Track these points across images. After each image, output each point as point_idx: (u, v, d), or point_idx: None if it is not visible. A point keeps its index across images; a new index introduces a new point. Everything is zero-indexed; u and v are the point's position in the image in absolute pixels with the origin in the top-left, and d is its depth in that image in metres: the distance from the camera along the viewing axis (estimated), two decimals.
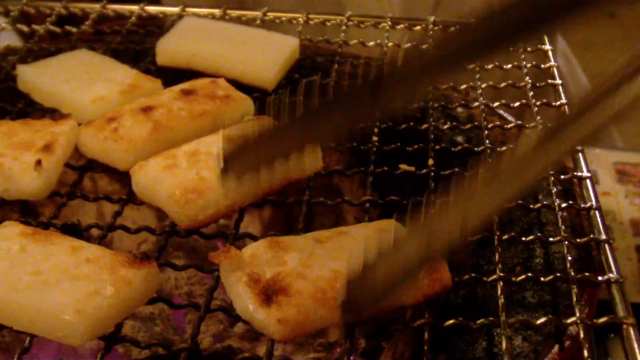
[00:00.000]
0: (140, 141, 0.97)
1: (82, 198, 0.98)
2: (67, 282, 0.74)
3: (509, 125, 1.09)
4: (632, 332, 0.77)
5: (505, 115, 1.15)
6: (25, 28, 1.37)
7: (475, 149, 1.04)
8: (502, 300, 0.80)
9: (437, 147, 1.04)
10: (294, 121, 0.74)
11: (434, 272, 0.78)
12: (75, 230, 0.91)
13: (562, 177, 0.99)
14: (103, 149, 0.98)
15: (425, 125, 1.08)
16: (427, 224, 0.69)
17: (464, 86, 1.18)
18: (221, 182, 0.73)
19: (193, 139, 0.96)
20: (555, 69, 1.20)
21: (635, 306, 1.29)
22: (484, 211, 0.71)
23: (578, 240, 0.89)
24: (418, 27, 1.35)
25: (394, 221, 0.85)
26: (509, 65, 1.21)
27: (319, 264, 0.77)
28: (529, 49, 1.25)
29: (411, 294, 0.78)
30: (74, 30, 1.35)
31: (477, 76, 1.19)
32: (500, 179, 0.70)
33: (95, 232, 0.93)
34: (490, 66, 1.21)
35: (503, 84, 1.18)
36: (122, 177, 0.98)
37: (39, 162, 0.92)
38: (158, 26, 1.38)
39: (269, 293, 0.74)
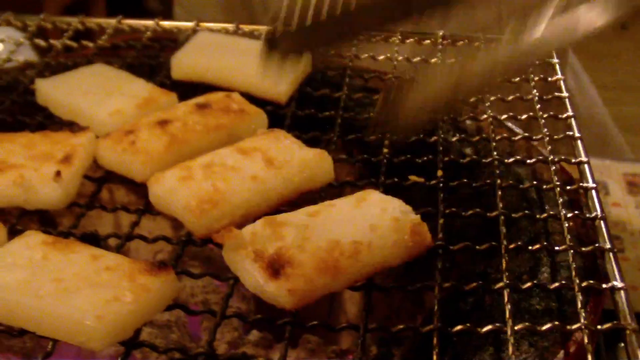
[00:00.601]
0: (157, 154, 0.99)
1: (100, 209, 1.01)
2: (87, 289, 0.77)
3: (517, 138, 1.12)
4: (634, 338, 0.78)
5: (513, 127, 1.17)
6: (42, 43, 1.40)
7: (484, 160, 1.07)
8: (509, 307, 0.82)
9: (446, 158, 1.06)
10: None
11: (417, 234, 0.86)
12: (94, 240, 0.93)
13: (568, 187, 1.01)
14: (121, 161, 1.01)
15: (434, 138, 1.10)
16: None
17: (472, 99, 1.20)
18: (263, 63, 0.75)
19: (208, 151, 0.99)
20: (562, 82, 1.22)
21: None
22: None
23: (583, 249, 0.91)
24: (427, 42, 1.38)
25: (374, 190, 0.93)
26: (517, 79, 1.24)
27: (316, 236, 0.84)
28: (536, 62, 1.27)
29: (398, 255, 0.85)
30: (91, 44, 1.38)
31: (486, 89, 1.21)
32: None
33: (113, 241, 0.95)
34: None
35: (511, 97, 1.20)
36: (139, 188, 1.00)
37: (58, 173, 0.94)
38: (172, 41, 1.40)
39: (276, 267, 0.80)
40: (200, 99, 1.10)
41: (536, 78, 1.23)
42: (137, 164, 0.99)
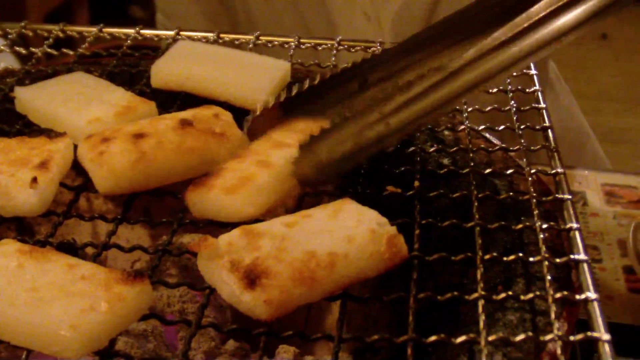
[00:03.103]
0: (121, 170, 0.98)
1: (78, 217, 1.01)
2: (63, 299, 0.77)
3: (494, 148, 1.12)
4: (607, 348, 0.79)
5: (491, 138, 1.18)
6: (23, 50, 1.39)
7: (461, 171, 1.07)
8: (483, 318, 0.83)
9: (423, 169, 1.07)
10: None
11: (393, 246, 0.86)
12: (70, 249, 0.93)
13: (545, 199, 1.01)
14: (88, 169, 1.00)
15: (412, 148, 1.11)
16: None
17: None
18: None
19: (177, 173, 0.99)
20: (539, 93, 1.23)
21: (623, 327, 1.31)
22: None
23: (558, 260, 0.91)
24: None
25: (351, 200, 0.93)
26: (495, 90, 1.25)
27: (292, 246, 0.84)
28: (514, 73, 1.28)
29: (374, 267, 0.86)
30: (71, 52, 1.37)
31: (464, 100, 1.22)
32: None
33: (90, 250, 0.95)
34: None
35: (489, 108, 1.21)
36: (117, 197, 1.00)
37: (34, 179, 0.94)
38: (153, 49, 1.40)
39: (252, 277, 0.80)
40: (188, 114, 1.07)
41: (514, 89, 1.24)
42: (98, 177, 0.98)
